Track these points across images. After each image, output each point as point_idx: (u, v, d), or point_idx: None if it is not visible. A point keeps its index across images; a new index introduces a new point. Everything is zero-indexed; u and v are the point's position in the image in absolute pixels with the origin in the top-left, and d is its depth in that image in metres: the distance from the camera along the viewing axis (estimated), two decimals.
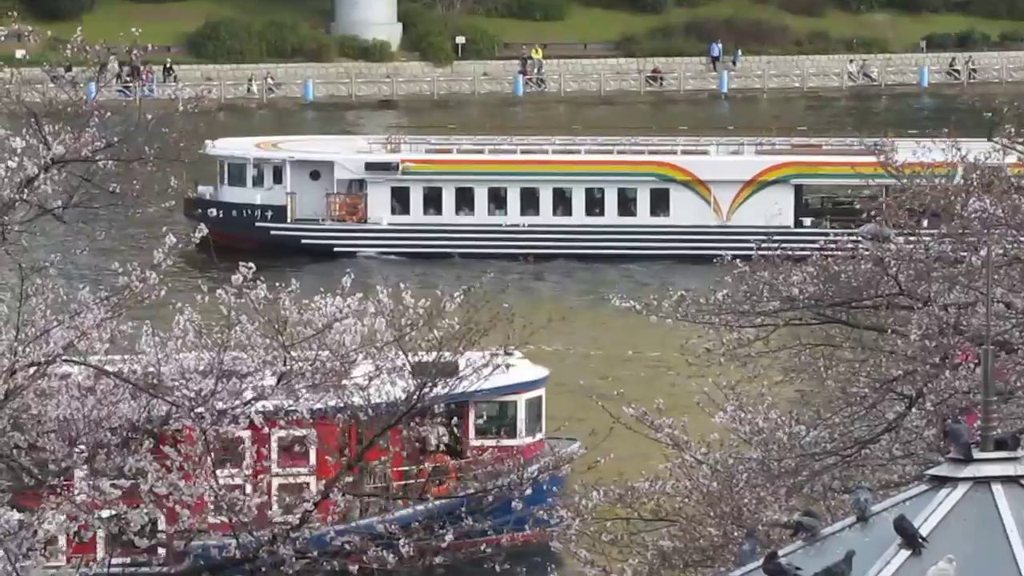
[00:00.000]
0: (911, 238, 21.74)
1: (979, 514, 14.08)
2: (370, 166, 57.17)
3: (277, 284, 19.41)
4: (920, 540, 13.88)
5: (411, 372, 20.43)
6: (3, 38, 23.28)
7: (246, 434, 21.74)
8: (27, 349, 18.89)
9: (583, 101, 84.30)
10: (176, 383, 19.45)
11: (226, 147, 59.65)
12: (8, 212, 18.98)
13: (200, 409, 19.07)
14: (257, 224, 54.17)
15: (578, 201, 57.72)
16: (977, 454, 14.18)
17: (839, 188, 57.55)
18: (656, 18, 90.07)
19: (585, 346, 41.99)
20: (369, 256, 52.40)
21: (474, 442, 34.18)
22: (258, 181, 56.65)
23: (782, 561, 14.17)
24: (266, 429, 21.22)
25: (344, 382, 21.07)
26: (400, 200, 56.42)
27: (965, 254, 21.12)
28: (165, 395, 19.57)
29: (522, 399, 35.51)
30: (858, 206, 43.28)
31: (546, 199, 57.39)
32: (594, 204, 57.97)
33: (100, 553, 21.98)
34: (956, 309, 20.97)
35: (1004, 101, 27.08)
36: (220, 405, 19.03)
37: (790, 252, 21.82)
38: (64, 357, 19.12)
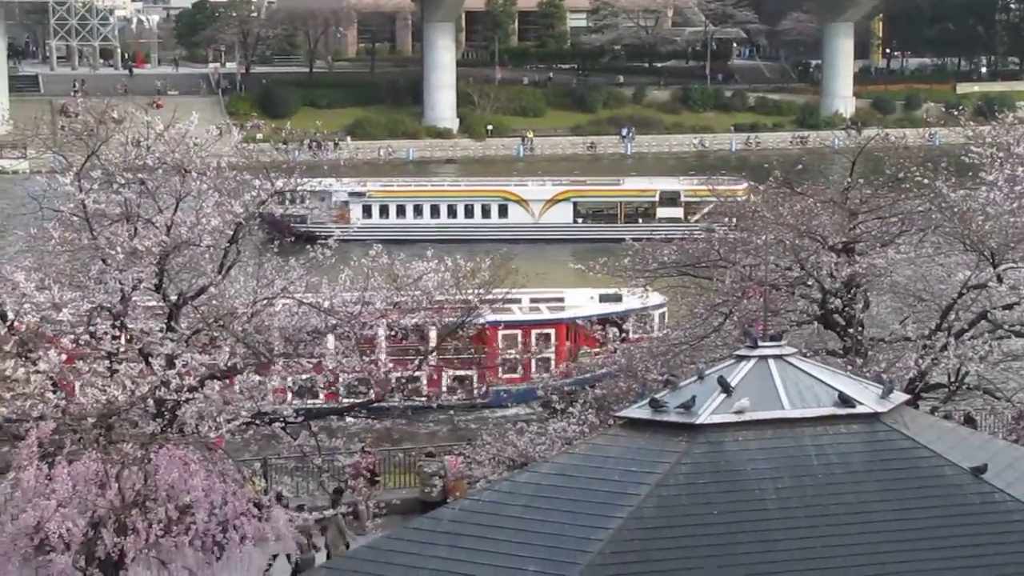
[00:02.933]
0: (728, 230, 33.72)
1: (761, 374, 19.85)
2: (351, 193, 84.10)
3: (389, 252, 31.49)
4: (731, 388, 19.38)
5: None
6: (248, 128, 34.60)
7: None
8: (261, 291, 30.08)
9: (554, 159, 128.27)
10: (340, 308, 30.87)
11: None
12: (250, 222, 30.47)
13: (352, 321, 30.63)
14: (293, 225, 65.12)
15: (460, 211, 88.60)
16: (760, 344, 20.22)
17: (595, 203, 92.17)
18: (592, 115, 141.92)
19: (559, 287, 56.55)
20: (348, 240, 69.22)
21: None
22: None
23: (657, 397, 19.95)
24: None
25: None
26: (367, 211, 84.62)
27: (755, 239, 32.86)
28: (333, 314, 31.04)
29: (656, 313, 50.08)
30: (604, 212, 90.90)
31: (444, 210, 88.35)
32: (469, 213, 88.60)
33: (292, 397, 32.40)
34: (749, 267, 31.71)
35: (773, 159, 39.57)
36: (363, 320, 30.68)
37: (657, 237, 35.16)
38: (281, 295, 30.48)
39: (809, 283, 31.83)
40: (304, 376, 30.85)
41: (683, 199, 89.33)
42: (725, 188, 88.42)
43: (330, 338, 31.06)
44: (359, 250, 32.55)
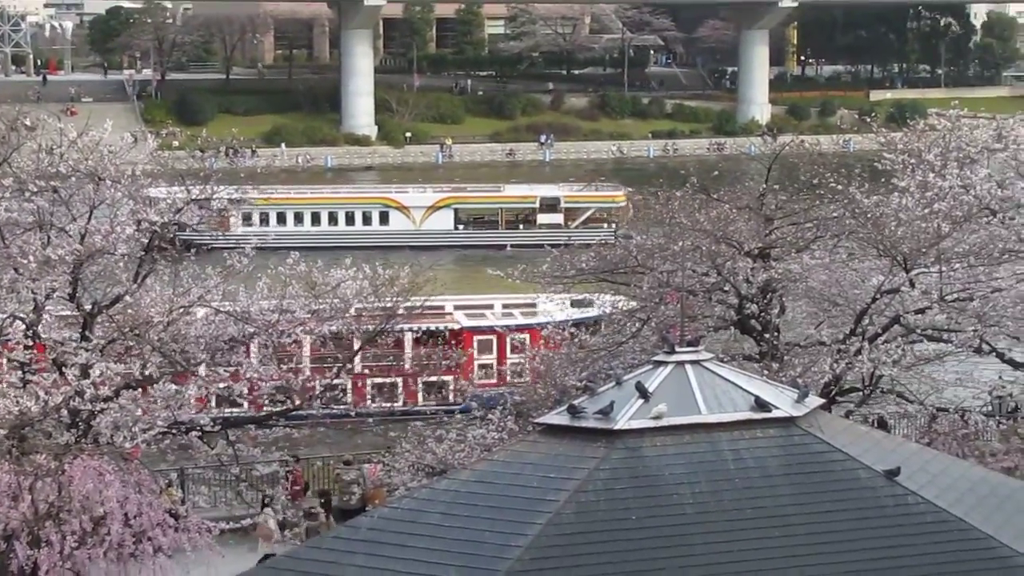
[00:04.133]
0: (642, 237, 33.80)
1: (678, 379, 19.87)
2: (230, 201, 78.46)
3: (308, 261, 31.42)
4: (648, 393, 19.35)
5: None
6: (164, 135, 34.53)
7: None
8: (178, 299, 30.02)
9: (473, 166, 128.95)
10: (258, 315, 30.74)
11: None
12: (165, 230, 30.34)
13: (270, 329, 30.53)
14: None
15: (341, 218, 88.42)
16: (677, 349, 20.24)
17: (476, 210, 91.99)
18: (511, 122, 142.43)
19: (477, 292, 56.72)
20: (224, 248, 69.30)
21: None
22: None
23: (576, 403, 19.86)
24: None
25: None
26: (247, 219, 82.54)
27: (673, 245, 33.15)
28: (251, 322, 30.80)
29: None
30: (485, 218, 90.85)
31: (325, 217, 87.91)
32: (350, 220, 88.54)
33: (214, 406, 32.06)
34: (666, 273, 32.48)
35: (691, 165, 39.80)
36: (280, 328, 30.64)
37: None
38: (197, 303, 30.31)
39: (726, 288, 31.96)
40: (222, 385, 30.57)
41: (563, 205, 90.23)
42: (605, 195, 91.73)
43: (252, 346, 30.97)
44: (276, 258, 32.45)
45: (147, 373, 28.37)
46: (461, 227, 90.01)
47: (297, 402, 30.86)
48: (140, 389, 28.17)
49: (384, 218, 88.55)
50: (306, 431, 32.38)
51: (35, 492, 24.58)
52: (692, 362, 20.02)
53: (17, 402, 26.11)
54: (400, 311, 31.58)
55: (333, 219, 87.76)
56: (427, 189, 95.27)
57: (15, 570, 24.44)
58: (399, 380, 46.57)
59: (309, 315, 30.56)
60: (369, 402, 44.69)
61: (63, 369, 27.42)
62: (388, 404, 44.66)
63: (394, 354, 46.76)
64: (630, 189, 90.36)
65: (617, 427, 19.18)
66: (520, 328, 47.54)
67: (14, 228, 28.85)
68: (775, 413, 19.61)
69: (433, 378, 46.68)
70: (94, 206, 29.34)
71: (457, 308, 51.41)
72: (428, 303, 32.08)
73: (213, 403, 31.73)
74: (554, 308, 41.16)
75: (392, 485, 33.31)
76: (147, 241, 29.31)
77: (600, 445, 19.12)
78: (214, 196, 30.89)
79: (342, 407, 36.40)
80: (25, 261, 27.94)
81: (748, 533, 18.50)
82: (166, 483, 31.85)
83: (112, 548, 24.70)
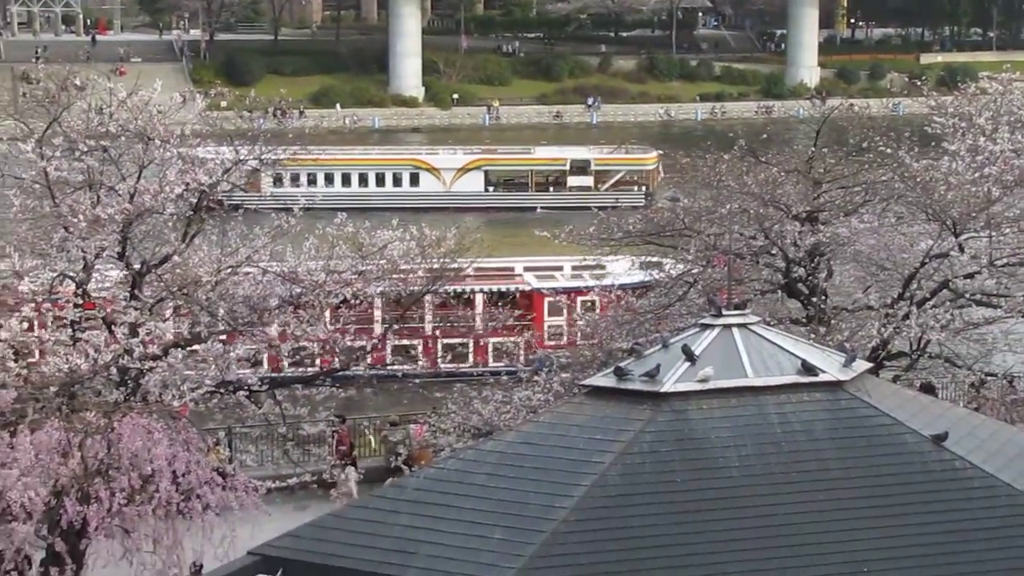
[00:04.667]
0: (690, 199, 33.72)
1: (725, 342, 19.96)
2: (261, 161, 78.96)
3: (355, 222, 31.47)
4: (695, 356, 19.49)
5: None
6: (212, 95, 34.40)
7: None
8: (226, 259, 30.27)
9: (520, 128, 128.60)
10: (305, 276, 30.77)
11: None
12: (215, 188, 30.44)
13: (317, 290, 30.55)
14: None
15: (372, 179, 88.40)
16: (724, 312, 20.32)
17: (506, 172, 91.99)
18: (558, 84, 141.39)
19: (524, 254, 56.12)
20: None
21: None
22: None
23: (622, 366, 20.05)
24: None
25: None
26: (278, 180, 77.59)
27: (720, 208, 33.10)
28: (299, 282, 30.89)
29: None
30: (515, 180, 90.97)
31: (356, 179, 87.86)
32: (381, 181, 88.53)
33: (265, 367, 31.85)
34: (714, 237, 32.42)
35: (739, 128, 39.44)
36: (328, 288, 30.63)
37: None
38: (245, 263, 30.36)
39: (773, 252, 31.92)
40: (268, 345, 30.63)
41: (593, 168, 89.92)
42: (635, 157, 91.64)
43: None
44: (324, 219, 32.47)
45: (195, 332, 28.52)
46: (491, 189, 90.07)
47: (343, 362, 30.82)
48: (189, 348, 28.28)
49: (415, 179, 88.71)
50: (365, 390, 32.28)
51: (84, 449, 24.77)
52: (739, 325, 20.01)
53: (67, 360, 26.31)
54: (468, 271, 31.54)
55: (363, 180, 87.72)
56: (457, 151, 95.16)
57: (64, 525, 24.67)
58: (470, 341, 46.69)
59: (356, 275, 30.49)
60: (441, 362, 44.84)
61: (112, 327, 27.57)
62: (457, 365, 44.41)
63: (465, 315, 46.90)
64: (661, 151, 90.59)
65: (663, 390, 19.18)
66: (589, 290, 47.27)
67: (64, 187, 28.96)
68: (822, 377, 19.55)
69: (502, 339, 46.49)
70: (143, 166, 29.42)
71: (527, 269, 51.57)
72: (498, 264, 31.80)
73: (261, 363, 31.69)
74: (622, 270, 40.83)
75: (438, 446, 33.46)
76: (195, 201, 29.37)
77: (646, 407, 19.12)
78: (263, 156, 30.93)
79: (410, 367, 36.48)
80: (75, 220, 28.05)
81: (794, 497, 18.47)
82: (214, 442, 32.07)
83: (160, 505, 24.88)
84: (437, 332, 45.12)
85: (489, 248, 36.52)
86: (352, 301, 30.64)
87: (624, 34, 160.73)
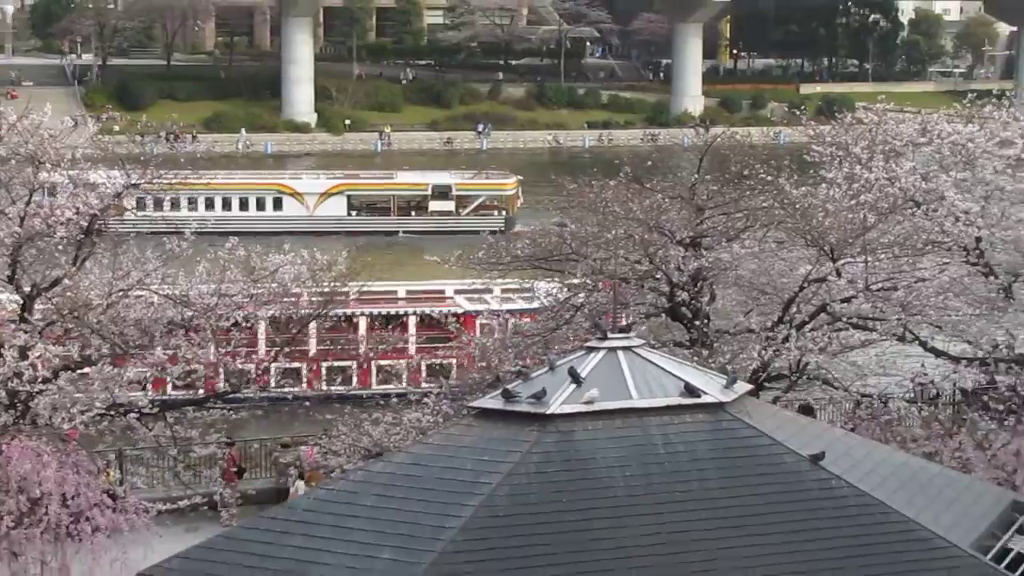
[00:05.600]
0: (575, 225, 33.83)
1: (610, 365, 20.03)
2: (125, 185, 79.04)
3: (246, 246, 31.31)
4: (580, 379, 19.54)
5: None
6: (104, 119, 34.15)
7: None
8: (117, 282, 29.89)
9: (411, 154, 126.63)
10: (196, 299, 30.52)
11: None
12: (106, 213, 30.09)
13: (208, 313, 30.34)
14: None
15: (235, 203, 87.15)
16: (610, 335, 20.48)
17: (369, 196, 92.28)
18: (449, 111, 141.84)
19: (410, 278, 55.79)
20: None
21: None
22: None
23: (509, 388, 19.91)
24: None
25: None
26: (140, 203, 74.55)
27: (606, 233, 33.16)
28: (190, 305, 30.62)
29: None
30: (377, 205, 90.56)
31: (219, 203, 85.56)
32: (244, 205, 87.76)
33: (149, 388, 31.42)
34: (600, 261, 32.31)
35: (625, 155, 39.65)
36: (219, 312, 30.46)
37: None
38: (136, 286, 30.04)
39: (658, 276, 31.99)
40: (159, 368, 30.36)
41: (455, 193, 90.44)
42: (495, 183, 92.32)
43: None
44: (215, 243, 32.23)
45: (86, 355, 28.19)
46: (354, 213, 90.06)
47: (233, 384, 30.66)
48: (79, 371, 27.94)
49: (278, 204, 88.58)
50: (244, 414, 32.08)
51: None
52: (624, 348, 20.10)
53: None
54: (353, 294, 31.51)
55: (227, 204, 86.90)
56: (320, 176, 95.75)
57: None
58: (404, 362, 46.61)
59: (248, 299, 30.40)
60: (375, 383, 44.93)
61: (1, 351, 27.16)
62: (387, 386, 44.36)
63: (398, 337, 46.80)
64: (520, 177, 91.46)
65: (550, 411, 19.21)
66: (521, 312, 47.20)
67: None
68: (704, 399, 19.69)
69: (437, 361, 46.34)
70: (33, 189, 29.08)
71: (457, 292, 51.29)
72: (429, 287, 31.50)
73: (165, 384, 31.39)
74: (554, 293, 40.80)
75: (329, 467, 33.29)
76: (86, 225, 29.04)
77: (533, 429, 19.13)
78: (153, 180, 30.67)
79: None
80: None
81: (677, 516, 18.56)
82: (104, 464, 31.59)
83: (50, 528, 24.60)
84: (371, 354, 44.96)
85: (373, 272, 36.38)
86: (243, 324, 30.47)
87: (514, 62, 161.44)
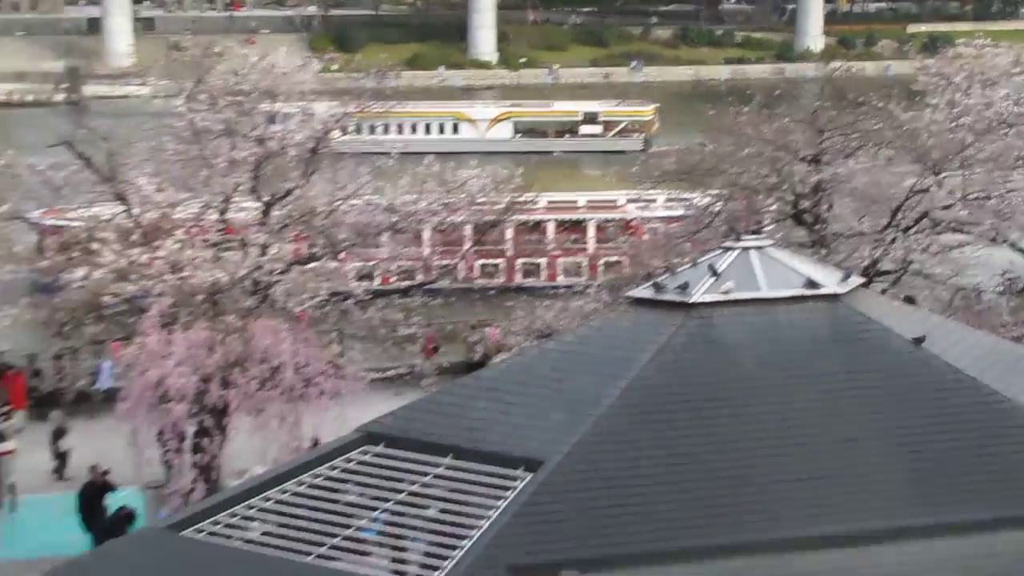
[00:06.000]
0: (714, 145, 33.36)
1: (743, 262, 19.54)
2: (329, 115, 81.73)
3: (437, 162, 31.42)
4: (718, 273, 19.21)
5: None
6: (325, 60, 34.30)
7: None
8: (337, 193, 30.27)
9: (575, 87, 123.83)
10: (400, 207, 30.50)
11: None
12: (327, 136, 30.15)
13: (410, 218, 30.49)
14: None
15: (433, 129, 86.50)
16: (743, 237, 19.89)
17: (530, 122, 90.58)
18: (607, 50, 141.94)
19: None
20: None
21: None
22: None
23: (658, 281, 19.58)
24: None
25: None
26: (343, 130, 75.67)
27: (740, 152, 32.75)
28: (395, 212, 30.61)
29: None
30: (537, 129, 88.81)
31: (408, 128, 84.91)
32: (428, 130, 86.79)
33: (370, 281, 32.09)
34: (735, 175, 31.99)
35: (756, 87, 39.00)
36: (419, 217, 30.47)
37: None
38: (352, 196, 30.08)
39: (784, 188, 31.66)
40: (371, 263, 30.78)
41: (601, 118, 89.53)
42: (635, 109, 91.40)
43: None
44: (416, 160, 32.29)
45: (312, 252, 28.61)
46: (518, 136, 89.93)
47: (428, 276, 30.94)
48: (307, 265, 28.37)
49: (456, 128, 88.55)
50: (440, 301, 32.30)
51: (226, 345, 25.00)
52: (755, 248, 19.89)
53: (212, 274, 26.50)
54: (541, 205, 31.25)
55: (414, 129, 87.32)
56: (490, 105, 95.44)
57: (211, 405, 24.99)
58: (583, 259, 47.00)
59: (442, 207, 30.41)
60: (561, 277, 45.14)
61: (247, 248, 27.68)
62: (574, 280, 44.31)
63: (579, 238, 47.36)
64: (657, 104, 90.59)
65: (692, 300, 19.06)
66: (669, 219, 46.84)
67: (207, 134, 29.01)
68: (823, 290, 19.36)
69: (613, 258, 46.40)
70: (270, 117, 29.43)
71: (629, 201, 50.97)
72: (604, 197, 31.31)
73: (365, 277, 31.72)
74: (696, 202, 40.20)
75: (508, 345, 33.47)
76: (312, 146, 29.36)
77: (678, 315, 19.01)
78: (364, 110, 30.89)
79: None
80: (216, 161, 28.11)
81: (798, 389, 18.30)
82: (328, 340, 32.13)
83: (285, 391, 25.10)
84: (556, 252, 45.76)
85: (544, 185, 36.23)
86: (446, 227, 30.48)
87: (662, 8, 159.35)
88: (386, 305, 30.36)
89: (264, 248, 27.45)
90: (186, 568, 17.20)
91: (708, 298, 19.10)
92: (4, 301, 28.86)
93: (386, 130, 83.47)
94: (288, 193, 29.00)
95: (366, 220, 29.64)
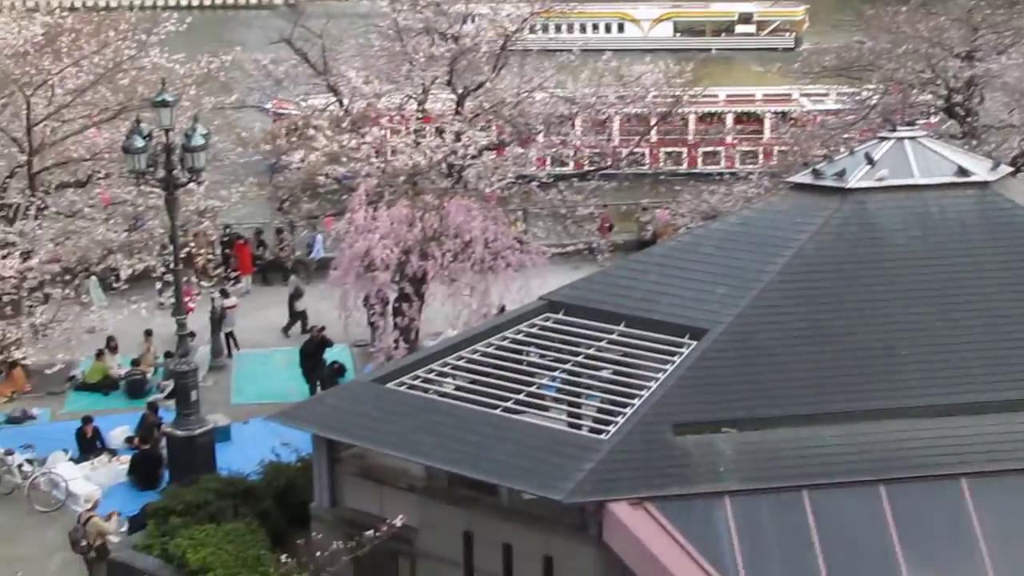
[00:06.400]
0: (871, 42, 32.09)
1: (898, 151, 19.50)
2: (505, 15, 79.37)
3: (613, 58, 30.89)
4: (874, 161, 19.31)
5: None
6: None
7: None
8: (524, 86, 30.22)
9: None
10: (580, 99, 30.26)
11: None
12: (516, 34, 30.29)
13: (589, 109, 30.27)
14: None
15: (601, 29, 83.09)
16: (898, 128, 20.08)
17: (689, 22, 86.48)
18: None
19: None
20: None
21: None
22: None
23: (817, 168, 19.80)
24: None
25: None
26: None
27: (896, 49, 31.57)
28: (576, 103, 29.86)
29: None
30: (695, 28, 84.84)
31: (577, 27, 79.15)
32: (596, 29, 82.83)
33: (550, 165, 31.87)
34: (891, 70, 31.15)
35: None
36: (597, 108, 30.26)
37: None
38: (537, 89, 30.02)
39: (937, 83, 30.49)
40: (553, 149, 30.64)
41: (756, 18, 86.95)
42: (788, 10, 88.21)
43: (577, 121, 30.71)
44: (592, 57, 31.83)
45: (501, 139, 28.62)
46: (678, 35, 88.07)
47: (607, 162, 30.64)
48: (496, 150, 28.43)
49: (621, 28, 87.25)
50: (615, 184, 32.02)
51: (424, 221, 25.29)
52: (909, 138, 19.46)
53: (411, 157, 26.75)
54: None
55: (583, 28, 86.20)
56: (653, 6, 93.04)
57: (410, 274, 25.42)
58: (759, 148, 46.34)
59: (618, 99, 29.99)
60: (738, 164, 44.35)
61: (442, 135, 27.85)
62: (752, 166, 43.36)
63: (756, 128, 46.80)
64: (808, 5, 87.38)
65: (849, 186, 18.74)
66: (828, 112, 44.74)
67: (409, 33, 29.09)
68: (973, 178, 18.84)
69: (785, 148, 45.67)
70: (465, 18, 29.29)
71: (802, 95, 48.92)
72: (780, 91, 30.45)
73: (548, 162, 31.67)
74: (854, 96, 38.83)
75: (676, 225, 33.19)
76: (502, 43, 29.18)
77: (835, 199, 18.71)
78: (548, 10, 30.51)
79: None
80: (417, 56, 28.20)
81: (946, 267, 17.98)
82: (514, 218, 32.26)
83: (476, 263, 25.33)
84: (734, 141, 45.46)
85: (716, 80, 35.30)
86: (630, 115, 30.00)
87: None
88: (567, 187, 30.32)
89: (458, 135, 27.59)
90: (391, 415, 17.76)
91: (864, 184, 18.72)
92: (234, 180, 29.72)
93: (565, 29, 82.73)
94: (480, 86, 28.97)
95: (549, 110, 29.41)
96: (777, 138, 43.75)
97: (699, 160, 44.18)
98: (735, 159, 44.86)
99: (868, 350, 17.15)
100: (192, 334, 25.65)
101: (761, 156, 45.31)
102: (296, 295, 30.87)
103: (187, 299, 29.60)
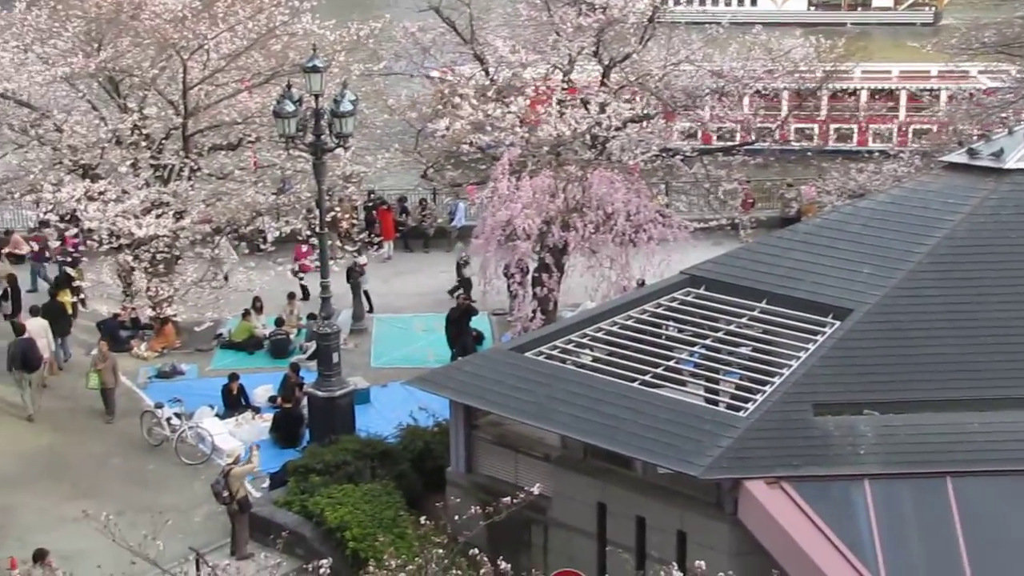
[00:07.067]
0: None
1: None
2: None
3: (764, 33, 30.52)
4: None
5: None
6: None
7: None
8: (670, 58, 30.26)
9: None
10: (728, 72, 30.17)
11: None
12: (663, 6, 30.16)
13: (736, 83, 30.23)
14: None
15: (733, 1, 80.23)
16: None
17: None
18: None
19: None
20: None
21: None
22: None
23: (973, 147, 19.58)
24: None
25: None
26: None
27: None
28: (723, 76, 29.69)
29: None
30: (830, 2, 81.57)
31: (721, 2, 79.00)
32: (728, 2, 79.99)
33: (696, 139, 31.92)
34: None
35: None
36: (744, 82, 30.04)
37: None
38: (684, 61, 30.10)
39: None
40: (698, 123, 30.40)
41: None
42: None
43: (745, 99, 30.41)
44: (740, 29, 31.42)
45: (646, 111, 28.50)
46: (812, 9, 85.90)
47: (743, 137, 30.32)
48: (641, 123, 28.32)
49: (754, 1, 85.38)
50: (759, 160, 31.66)
51: (566, 192, 25.38)
52: None
53: (555, 128, 26.84)
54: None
55: (716, 2, 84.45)
56: None
57: (551, 245, 25.56)
58: (893, 126, 45.46)
59: (766, 74, 29.58)
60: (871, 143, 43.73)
61: (587, 106, 27.86)
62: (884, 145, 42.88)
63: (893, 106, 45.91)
64: None
65: (1007, 166, 18.26)
66: (984, 89, 43.90)
67: (557, 2, 29.08)
68: None
69: (922, 126, 44.68)
70: None
71: (941, 73, 47.41)
72: (917, 68, 29.81)
73: (699, 135, 31.41)
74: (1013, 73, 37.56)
75: (822, 203, 32.68)
76: (650, 14, 28.98)
77: (991, 179, 18.30)
78: None
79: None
80: (564, 27, 28.20)
81: None
82: (657, 191, 32.14)
83: (617, 235, 25.33)
84: (864, 119, 44.58)
85: (867, 56, 34.49)
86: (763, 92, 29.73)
87: None
88: (710, 162, 30.08)
89: (603, 106, 27.57)
90: (529, 384, 17.97)
91: (1022, 165, 18.22)
92: (380, 146, 30.20)
93: (710, 2, 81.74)
94: (626, 57, 28.87)
95: (696, 83, 29.16)
96: (919, 116, 42.70)
97: (830, 137, 43.22)
98: (908, 136, 43.71)
99: (1017, 337, 16.74)
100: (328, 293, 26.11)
101: (896, 134, 44.28)
102: (464, 262, 31.27)
103: (306, 260, 30.31)
